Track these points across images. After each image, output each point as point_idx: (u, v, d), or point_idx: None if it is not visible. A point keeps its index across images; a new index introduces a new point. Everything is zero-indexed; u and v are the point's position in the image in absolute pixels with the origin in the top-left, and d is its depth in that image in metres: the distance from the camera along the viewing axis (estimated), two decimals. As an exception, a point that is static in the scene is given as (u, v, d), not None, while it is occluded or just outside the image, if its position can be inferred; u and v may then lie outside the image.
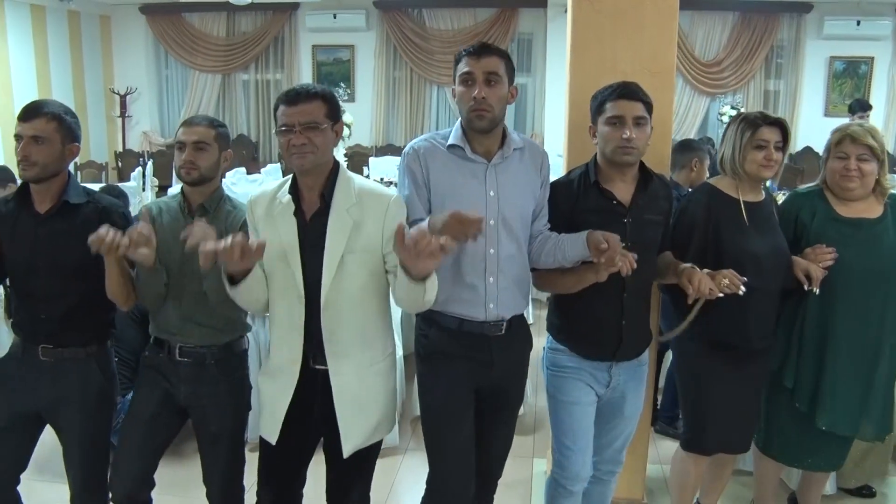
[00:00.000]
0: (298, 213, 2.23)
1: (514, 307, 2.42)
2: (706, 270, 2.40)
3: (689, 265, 2.43)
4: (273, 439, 2.30)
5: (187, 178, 2.45)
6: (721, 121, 9.98)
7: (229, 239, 2.00)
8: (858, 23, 10.02)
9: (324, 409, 2.25)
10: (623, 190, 2.47)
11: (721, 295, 2.36)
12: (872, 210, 2.71)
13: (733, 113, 9.67)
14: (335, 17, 10.52)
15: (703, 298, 2.41)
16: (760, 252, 2.59)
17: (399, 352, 4.08)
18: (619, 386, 2.56)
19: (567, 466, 2.58)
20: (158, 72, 11.47)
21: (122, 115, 11.17)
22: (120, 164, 10.64)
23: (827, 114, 10.49)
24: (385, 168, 8.28)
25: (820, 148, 9.47)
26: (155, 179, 9.13)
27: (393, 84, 10.93)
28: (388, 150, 10.36)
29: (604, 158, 2.46)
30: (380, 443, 2.42)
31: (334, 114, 2.17)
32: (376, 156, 9.96)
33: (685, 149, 4.21)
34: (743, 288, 2.38)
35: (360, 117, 10.67)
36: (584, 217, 2.42)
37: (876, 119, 10.19)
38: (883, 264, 2.66)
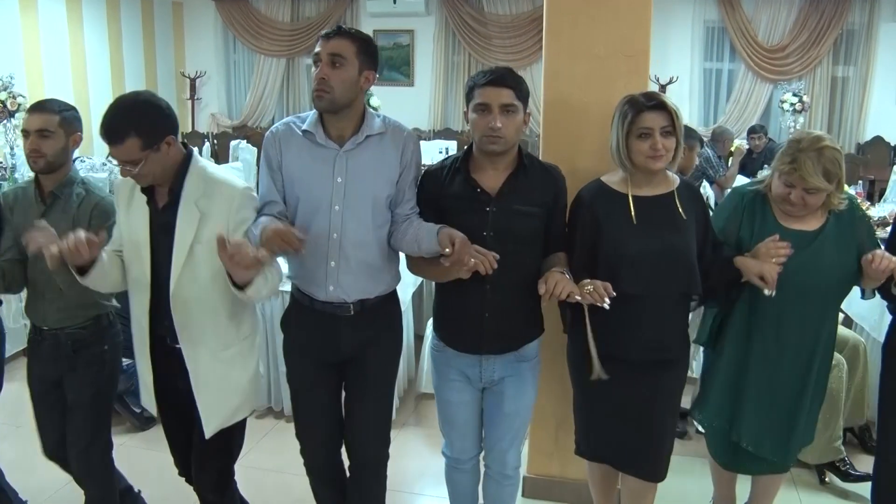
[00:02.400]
0: (152, 203, 2.34)
1: (360, 291, 2.44)
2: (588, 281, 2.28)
3: (557, 269, 2.32)
4: (153, 410, 2.52)
5: (34, 166, 2.58)
6: (783, 109, 9.78)
7: (71, 238, 2.13)
8: (938, 4, 9.66)
9: (187, 385, 2.40)
10: (492, 178, 2.41)
11: (603, 304, 2.22)
12: (814, 222, 2.58)
13: (795, 101, 9.52)
14: (395, 3, 10.76)
15: (586, 305, 2.27)
16: (646, 254, 2.40)
17: (410, 333, 4.39)
18: (496, 381, 2.54)
19: (449, 446, 2.72)
20: (227, 56, 12.00)
21: (192, 97, 11.74)
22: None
23: (900, 101, 10.15)
24: (430, 152, 8.48)
25: (892, 137, 9.26)
26: (211, 160, 9.58)
27: (452, 69, 11.16)
28: (445, 133, 10.60)
29: (476, 145, 2.43)
30: (243, 421, 2.58)
31: (149, 141, 2.21)
32: (432, 139, 10.18)
33: None
34: (607, 302, 2.22)
35: (419, 101, 11.00)
36: (449, 203, 2.42)
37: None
38: (821, 279, 2.53)
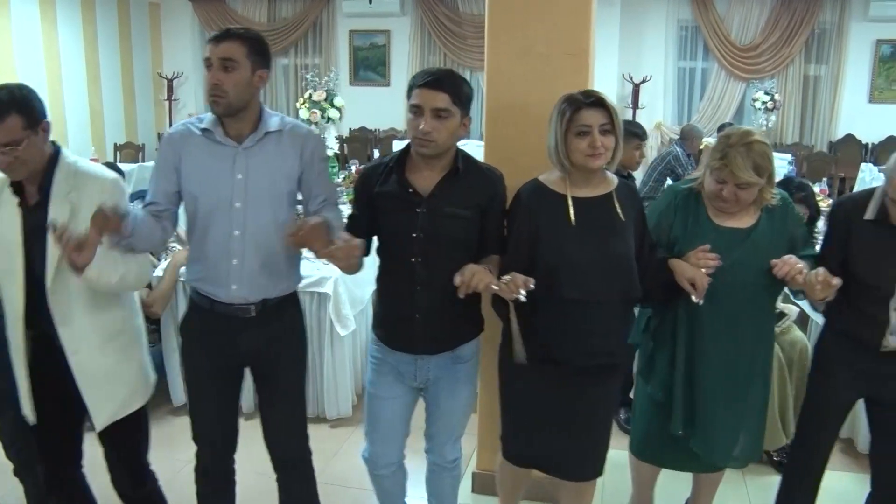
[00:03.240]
0: (23, 202, 2.32)
1: (262, 290, 2.43)
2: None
3: (481, 266, 2.29)
4: (31, 417, 2.44)
5: None
6: (754, 107, 9.88)
7: None
8: (907, 3, 9.76)
9: (72, 383, 2.39)
10: (426, 179, 2.37)
11: (519, 297, 2.18)
12: (747, 219, 2.56)
13: (766, 99, 9.61)
14: (371, 3, 10.81)
15: (510, 300, 2.23)
16: (584, 257, 2.36)
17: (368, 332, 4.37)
18: (432, 380, 2.54)
19: (369, 450, 2.68)
20: (204, 56, 11.93)
21: (170, 98, 11.74)
22: (162, 145, 11.22)
23: (872, 100, 10.29)
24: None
25: (863, 136, 9.40)
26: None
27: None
28: (421, 133, 10.63)
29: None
30: (141, 413, 2.57)
31: (30, 121, 2.21)
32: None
33: None
34: (522, 295, 2.17)
35: (395, 101, 10.98)
36: (381, 202, 2.40)
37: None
38: (755, 277, 2.52)
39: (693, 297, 2.40)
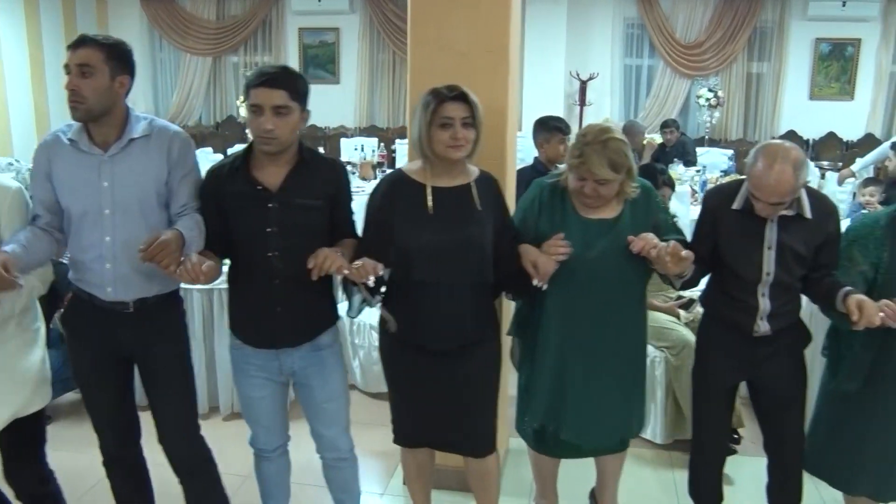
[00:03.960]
0: None
1: (138, 290, 2.47)
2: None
3: (333, 249, 2.37)
4: None
5: None
6: (699, 104, 10.07)
7: None
8: (844, 3, 10.01)
9: None
10: (273, 175, 2.43)
11: (367, 281, 2.28)
12: (613, 209, 2.64)
13: (710, 96, 9.80)
14: (320, 1, 10.80)
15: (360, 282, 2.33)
16: (439, 244, 2.46)
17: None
18: (299, 372, 2.59)
19: (255, 438, 2.75)
20: (153, 54, 11.97)
21: (118, 97, 11.60)
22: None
23: (812, 97, 10.55)
24: (347, 150, 8.59)
25: (804, 132, 9.62)
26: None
27: (377, 66, 11.28)
28: (372, 130, 10.72)
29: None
30: (41, 413, 2.64)
31: None
32: (358, 136, 10.27)
33: (538, 127, 4.34)
34: (371, 279, 2.27)
35: (345, 99, 11.08)
36: (230, 202, 2.45)
37: (862, 103, 10.27)
38: (622, 266, 2.60)
39: (534, 281, 2.48)
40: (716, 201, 2.75)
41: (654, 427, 3.83)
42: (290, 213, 2.42)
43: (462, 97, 2.44)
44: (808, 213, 2.59)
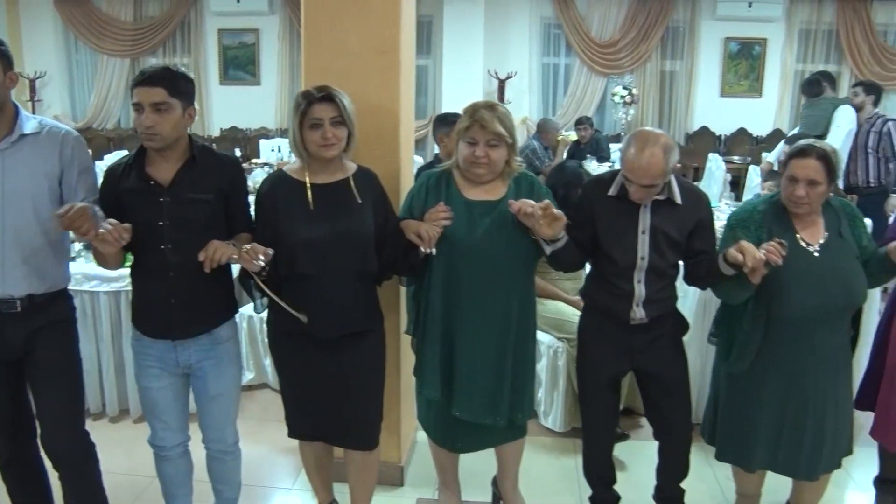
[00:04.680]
0: None
1: (27, 286, 2.50)
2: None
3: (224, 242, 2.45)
4: None
5: None
6: (614, 101, 10.35)
7: None
8: (750, 4, 10.47)
9: None
10: (165, 170, 2.51)
11: (258, 262, 2.36)
12: (496, 191, 2.75)
13: (624, 93, 10.08)
14: (239, 2, 10.80)
15: (254, 273, 2.42)
16: (321, 237, 2.57)
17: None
18: (195, 365, 2.65)
19: (153, 435, 2.76)
20: (68, 56, 11.81)
21: (32, 98, 11.44)
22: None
23: (723, 94, 10.99)
24: (264, 151, 8.64)
25: (716, 128, 9.98)
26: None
27: (297, 68, 11.25)
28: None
29: None
30: None
31: None
32: (279, 137, 10.28)
33: (437, 123, 4.45)
34: (261, 260, 2.37)
35: (266, 100, 11.09)
36: (125, 198, 2.50)
37: (769, 100, 10.70)
38: (506, 247, 2.71)
39: (422, 248, 2.58)
40: (593, 188, 2.87)
41: (556, 415, 3.95)
42: (181, 207, 2.49)
43: (330, 97, 2.55)
44: (678, 199, 2.73)
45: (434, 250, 2.60)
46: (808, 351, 2.76)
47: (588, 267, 3.05)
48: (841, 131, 6.16)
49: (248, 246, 2.38)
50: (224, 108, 11.09)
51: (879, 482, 3.32)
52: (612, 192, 2.77)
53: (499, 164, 2.71)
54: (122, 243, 2.30)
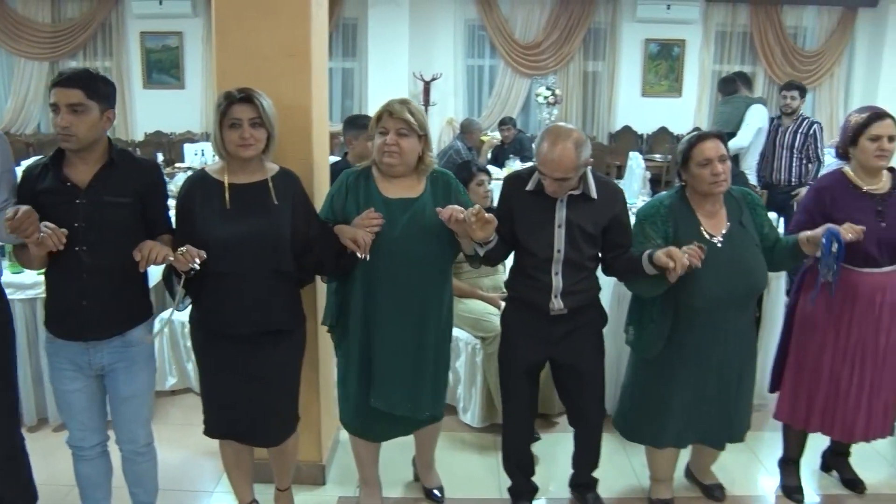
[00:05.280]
0: None
1: None
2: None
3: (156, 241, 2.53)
4: None
5: None
6: (538, 102, 10.55)
7: None
8: (669, 7, 10.80)
9: None
10: (83, 172, 2.55)
11: (194, 265, 2.44)
12: (414, 189, 2.88)
13: (548, 94, 10.29)
14: (161, 3, 10.69)
15: (182, 270, 2.49)
16: (234, 236, 2.63)
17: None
18: (108, 367, 2.67)
19: (71, 436, 2.80)
20: (-19, 58, 11.47)
21: (-55, 102, 11.14)
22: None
23: (644, 94, 11.31)
24: (188, 154, 8.57)
25: (638, 127, 10.24)
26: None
27: (222, 70, 11.15)
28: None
29: None
30: None
31: None
32: (206, 141, 10.20)
33: (346, 125, 4.57)
34: (196, 263, 2.44)
35: (190, 104, 10.99)
36: (43, 199, 2.51)
37: (689, 99, 11.04)
38: (424, 243, 2.82)
39: (358, 254, 2.71)
40: (512, 185, 3.00)
41: (474, 411, 4.08)
42: (97, 209, 2.52)
43: (249, 99, 2.64)
44: (593, 194, 2.88)
45: (369, 256, 2.72)
46: (716, 335, 2.97)
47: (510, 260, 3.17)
48: (750, 129, 6.51)
49: (184, 248, 2.45)
50: (148, 112, 10.97)
51: (783, 463, 3.56)
52: (529, 187, 2.91)
53: (409, 154, 2.81)
54: (61, 247, 2.35)
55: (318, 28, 3.25)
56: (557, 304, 2.93)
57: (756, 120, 6.52)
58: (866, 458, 3.68)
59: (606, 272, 3.08)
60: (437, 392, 3.05)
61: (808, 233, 2.93)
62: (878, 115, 3.05)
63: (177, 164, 8.27)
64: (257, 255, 2.66)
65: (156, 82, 11.09)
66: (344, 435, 3.61)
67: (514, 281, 3.08)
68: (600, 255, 3.02)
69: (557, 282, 2.91)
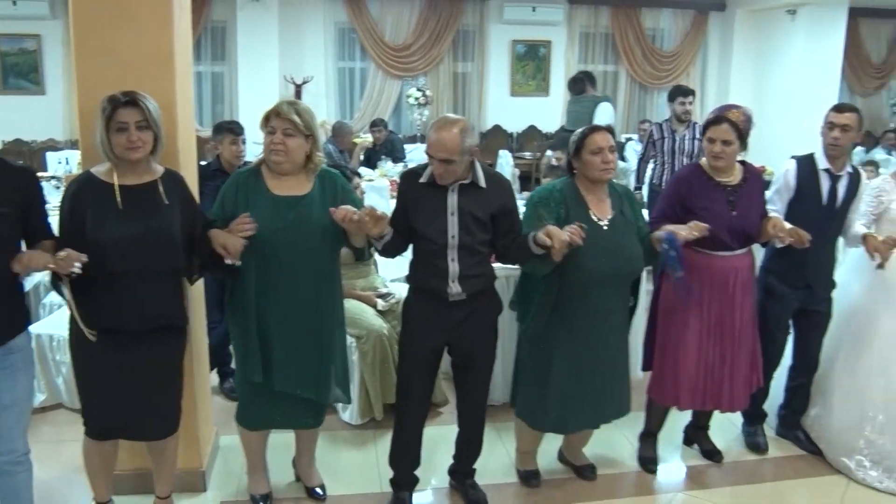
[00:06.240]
0: None
1: None
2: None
3: (35, 251, 2.60)
4: None
5: None
6: (409, 103, 10.78)
7: None
8: (534, 9, 11.26)
9: None
10: None
11: (74, 270, 2.48)
12: (302, 187, 3.05)
13: (419, 95, 10.53)
14: (15, 4, 10.31)
15: (64, 275, 2.53)
16: (130, 237, 2.70)
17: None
18: None
19: None
20: None
21: None
22: None
23: (513, 94, 11.75)
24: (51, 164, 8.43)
25: (508, 126, 10.64)
26: None
27: (85, 75, 10.88)
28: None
29: None
30: None
31: None
32: (69, 149, 9.97)
33: (213, 131, 4.68)
34: (76, 267, 2.48)
35: (52, 110, 10.64)
36: None
37: (556, 99, 11.50)
38: (311, 238, 3.01)
39: (227, 260, 2.85)
40: (407, 179, 3.23)
41: (352, 410, 4.21)
42: None
43: (134, 102, 2.71)
44: (482, 183, 3.11)
45: (239, 262, 2.87)
46: (596, 312, 3.29)
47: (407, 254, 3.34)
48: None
49: (63, 253, 2.50)
50: (5, 119, 10.57)
51: (643, 436, 3.95)
52: (423, 179, 3.12)
53: (295, 153, 2.99)
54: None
55: (182, 31, 3.30)
56: (455, 288, 3.12)
57: (607, 117, 6.95)
58: (723, 430, 4.15)
59: (500, 259, 3.31)
60: (337, 377, 3.23)
61: (655, 234, 3.31)
62: (594, 128, 3.30)
63: (39, 174, 8.09)
64: (151, 254, 2.76)
65: (12, 87, 10.69)
66: (223, 440, 3.80)
67: (414, 270, 3.26)
68: (493, 241, 3.22)
69: (454, 267, 3.10)
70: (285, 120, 2.94)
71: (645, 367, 3.83)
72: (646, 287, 4.24)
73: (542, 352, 3.34)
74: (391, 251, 3.21)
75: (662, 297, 3.66)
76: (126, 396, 2.88)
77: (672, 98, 6.57)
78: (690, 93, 6.57)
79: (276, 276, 3.01)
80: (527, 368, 3.44)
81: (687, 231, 3.22)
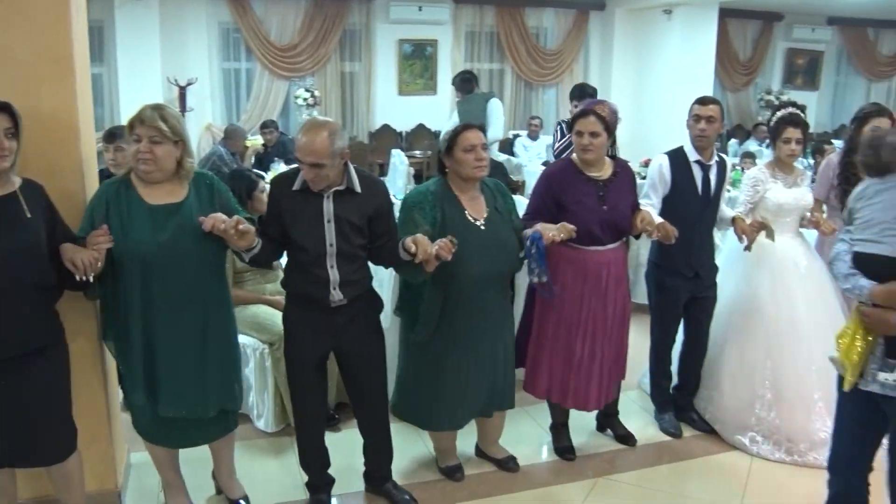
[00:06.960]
0: None
1: None
2: None
3: None
4: None
5: None
6: (297, 104, 10.75)
7: None
8: (420, 8, 11.41)
9: None
10: None
11: None
12: (177, 193, 2.93)
13: (307, 96, 10.52)
14: None
15: None
16: None
17: None
18: None
19: None
20: None
21: None
22: None
23: (401, 93, 11.87)
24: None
25: (396, 125, 10.70)
26: None
27: None
28: None
29: None
30: None
31: None
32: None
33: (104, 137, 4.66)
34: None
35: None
36: None
37: (444, 97, 11.81)
38: (193, 246, 2.89)
39: (76, 276, 2.66)
40: (279, 185, 3.15)
41: (267, 417, 4.18)
42: None
43: (5, 108, 2.60)
44: (357, 188, 3.08)
45: (91, 278, 2.68)
46: (481, 311, 3.37)
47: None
48: (500, 122, 7.32)
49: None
50: None
51: (553, 427, 4.09)
52: (296, 186, 3.06)
53: (164, 160, 2.86)
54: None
55: (80, 32, 3.21)
56: (337, 295, 3.10)
57: (499, 114, 7.30)
58: (633, 414, 4.39)
59: (374, 261, 3.28)
60: (228, 391, 3.13)
61: (525, 231, 3.39)
62: (466, 126, 3.35)
63: None
64: (17, 271, 2.60)
65: None
66: (136, 457, 3.71)
67: (291, 278, 3.21)
68: (367, 244, 3.19)
69: (334, 274, 3.07)
70: (150, 127, 2.81)
71: (518, 364, 3.80)
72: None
73: (431, 357, 3.39)
74: (261, 261, 3.18)
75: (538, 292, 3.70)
76: (7, 425, 2.74)
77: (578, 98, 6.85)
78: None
79: (161, 288, 2.90)
80: (416, 374, 3.48)
81: (555, 232, 3.28)
